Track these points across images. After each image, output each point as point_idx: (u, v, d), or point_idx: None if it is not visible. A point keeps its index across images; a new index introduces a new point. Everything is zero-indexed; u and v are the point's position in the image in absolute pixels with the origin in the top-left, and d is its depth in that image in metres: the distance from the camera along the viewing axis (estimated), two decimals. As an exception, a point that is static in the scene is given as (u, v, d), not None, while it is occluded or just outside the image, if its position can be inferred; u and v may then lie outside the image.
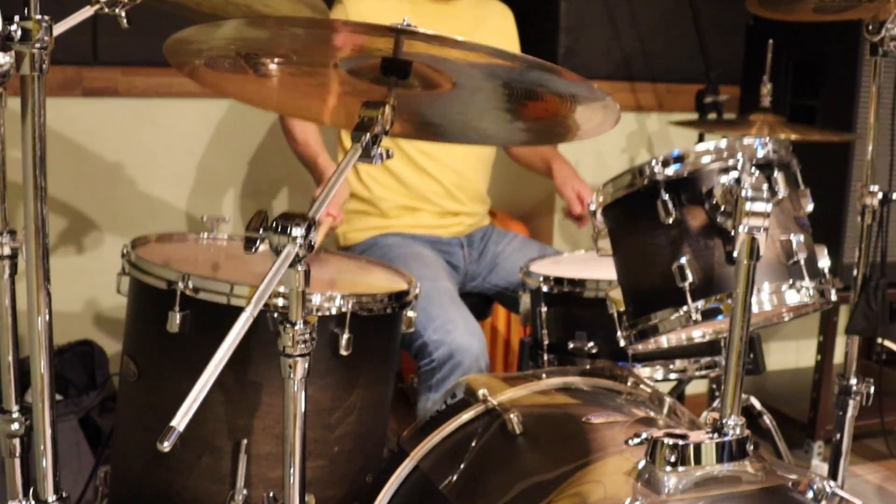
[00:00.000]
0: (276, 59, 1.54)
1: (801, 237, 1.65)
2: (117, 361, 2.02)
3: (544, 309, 2.28)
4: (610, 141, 3.42)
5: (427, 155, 2.70)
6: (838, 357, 3.22)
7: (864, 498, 1.51)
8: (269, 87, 1.69)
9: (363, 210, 2.73)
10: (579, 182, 2.76)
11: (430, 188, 2.73)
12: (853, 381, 2.14)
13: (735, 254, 1.42)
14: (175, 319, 1.77)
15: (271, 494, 1.74)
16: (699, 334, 1.88)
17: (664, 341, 1.81)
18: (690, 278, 1.62)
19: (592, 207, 1.78)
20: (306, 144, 2.62)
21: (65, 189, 2.89)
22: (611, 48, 3.38)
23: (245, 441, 1.79)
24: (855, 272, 2.12)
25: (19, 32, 1.25)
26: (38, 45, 1.27)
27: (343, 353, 1.79)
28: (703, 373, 2.24)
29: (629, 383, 1.89)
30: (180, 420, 1.12)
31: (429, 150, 2.69)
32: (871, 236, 2.12)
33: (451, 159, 2.73)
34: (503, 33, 2.84)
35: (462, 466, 1.67)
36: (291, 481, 1.37)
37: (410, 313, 1.99)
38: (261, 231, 1.31)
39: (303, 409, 1.35)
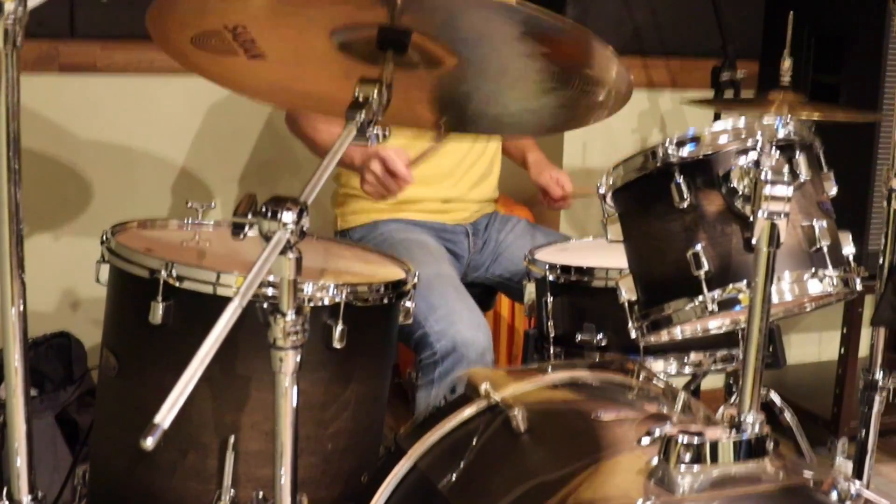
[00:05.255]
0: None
1: (824, 223, 1.64)
2: (96, 354, 2.02)
3: (550, 299, 2.27)
4: (620, 121, 3.40)
5: None
6: (863, 350, 3.22)
7: (891, 498, 1.51)
8: (261, 70, 1.68)
9: (361, 193, 2.70)
10: (555, 169, 2.84)
11: (435, 168, 2.67)
12: (879, 375, 2.14)
13: (754, 240, 1.42)
14: (158, 310, 1.77)
15: (260, 494, 1.75)
16: (715, 325, 1.88)
17: (678, 333, 1.81)
18: (706, 266, 1.61)
19: (602, 191, 1.78)
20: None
21: (40, 172, 2.88)
22: (621, 20, 3.36)
23: (232, 438, 1.79)
24: (881, 260, 2.12)
25: (-8, 5, 1.25)
26: (11, 18, 1.26)
27: (337, 345, 1.79)
28: (720, 366, 2.25)
29: (641, 378, 1.89)
30: (164, 416, 1.12)
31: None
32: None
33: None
34: None
35: (463, 465, 1.67)
36: (282, 481, 1.38)
37: (408, 304, 1.99)
38: (249, 216, 1.31)
39: (294, 405, 1.35)
